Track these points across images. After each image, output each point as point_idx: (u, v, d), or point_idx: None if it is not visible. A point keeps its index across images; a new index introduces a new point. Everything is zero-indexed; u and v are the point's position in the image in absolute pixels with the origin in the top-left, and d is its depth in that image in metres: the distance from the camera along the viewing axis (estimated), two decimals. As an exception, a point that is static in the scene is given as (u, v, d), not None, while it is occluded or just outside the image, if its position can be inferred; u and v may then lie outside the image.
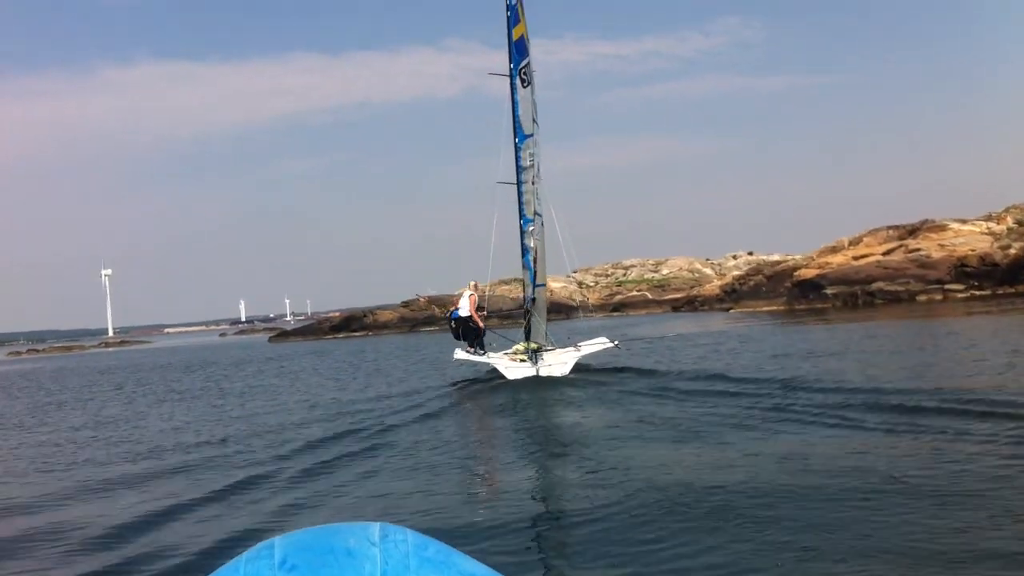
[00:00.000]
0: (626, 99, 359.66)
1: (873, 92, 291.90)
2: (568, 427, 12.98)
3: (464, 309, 20.94)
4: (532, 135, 20.34)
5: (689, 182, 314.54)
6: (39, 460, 13.83)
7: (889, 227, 54.49)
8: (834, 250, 55.19)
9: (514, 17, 20.30)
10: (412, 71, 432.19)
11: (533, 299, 21.43)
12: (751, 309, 51.34)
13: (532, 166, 20.44)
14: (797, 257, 62.47)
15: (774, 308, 50.00)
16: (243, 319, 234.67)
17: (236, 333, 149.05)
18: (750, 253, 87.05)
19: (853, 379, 14.81)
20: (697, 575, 5.76)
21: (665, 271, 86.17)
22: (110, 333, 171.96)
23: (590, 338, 21.16)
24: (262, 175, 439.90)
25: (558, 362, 19.95)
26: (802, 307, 47.97)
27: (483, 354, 20.89)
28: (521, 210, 20.85)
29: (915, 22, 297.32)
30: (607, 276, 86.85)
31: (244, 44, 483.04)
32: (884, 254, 50.60)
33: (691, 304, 67.74)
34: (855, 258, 51.91)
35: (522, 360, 20.26)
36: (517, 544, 6.84)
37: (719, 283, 69.54)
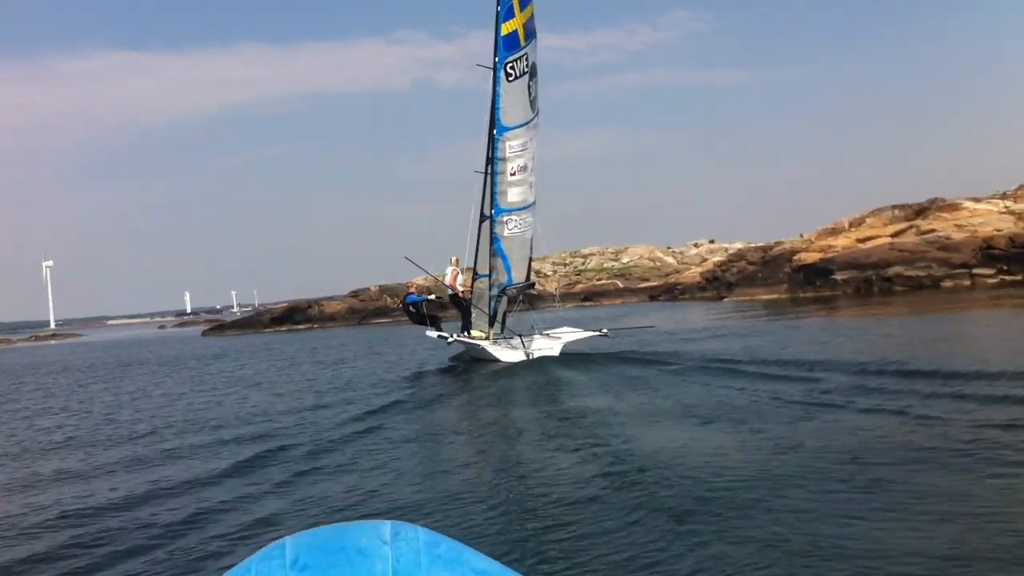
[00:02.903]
0: (576, 92, 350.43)
1: (826, 85, 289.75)
2: (585, 412, 11.62)
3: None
4: (526, 124, 20.14)
5: (643, 173, 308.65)
6: None
7: (894, 206, 49.96)
8: (834, 232, 50.15)
9: (505, 12, 19.78)
10: (363, 62, 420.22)
11: (527, 284, 21.43)
12: (749, 297, 45.77)
13: (514, 156, 20.13)
14: (760, 243, 59.24)
15: (775, 296, 44.48)
16: (188, 311, 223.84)
17: (176, 325, 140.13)
18: (711, 241, 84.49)
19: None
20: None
21: (626, 259, 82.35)
22: (52, 325, 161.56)
23: (555, 327, 20.89)
24: (212, 165, 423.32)
25: (546, 346, 19.83)
26: (808, 295, 42.45)
27: (465, 335, 20.86)
28: (494, 200, 20.57)
29: (872, 11, 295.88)
30: (565, 264, 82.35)
31: (189, 33, 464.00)
32: (893, 236, 45.53)
33: (670, 293, 62.60)
34: (860, 240, 46.90)
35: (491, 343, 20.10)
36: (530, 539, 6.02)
37: (699, 270, 64.53)
